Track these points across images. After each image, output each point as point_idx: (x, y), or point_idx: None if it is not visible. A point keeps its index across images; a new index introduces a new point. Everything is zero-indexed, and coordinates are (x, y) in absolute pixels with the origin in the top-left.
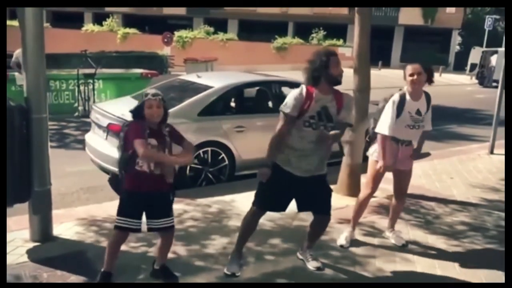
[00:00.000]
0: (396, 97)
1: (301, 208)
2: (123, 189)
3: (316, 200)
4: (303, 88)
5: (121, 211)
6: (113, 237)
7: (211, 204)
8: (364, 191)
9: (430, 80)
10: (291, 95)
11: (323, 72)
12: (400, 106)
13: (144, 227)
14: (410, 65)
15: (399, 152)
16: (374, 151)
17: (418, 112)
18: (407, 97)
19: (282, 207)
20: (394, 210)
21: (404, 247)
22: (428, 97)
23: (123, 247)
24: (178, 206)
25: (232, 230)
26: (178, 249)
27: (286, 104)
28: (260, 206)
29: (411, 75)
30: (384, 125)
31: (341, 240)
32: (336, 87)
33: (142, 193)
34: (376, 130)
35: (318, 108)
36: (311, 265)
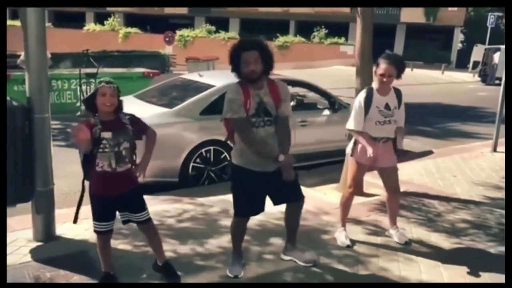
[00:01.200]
0: (362, 93)
1: (276, 202)
2: (90, 193)
3: (286, 190)
4: (236, 86)
5: (94, 215)
6: (97, 240)
7: (213, 203)
8: (344, 192)
9: (399, 76)
10: (227, 98)
11: (236, 70)
12: (368, 101)
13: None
14: (382, 63)
15: (377, 150)
16: (349, 149)
17: (387, 106)
18: (375, 92)
19: (260, 208)
20: (390, 207)
21: (407, 245)
22: (398, 93)
23: (125, 246)
24: (180, 205)
25: None
26: (180, 248)
27: (227, 109)
28: (240, 214)
29: (382, 75)
30: (349, 121)
31: (343, 241)
32: (271, 76)
33: (110, 195)
34: (346, 127)
35: (256, 105)
36: (303, 260)
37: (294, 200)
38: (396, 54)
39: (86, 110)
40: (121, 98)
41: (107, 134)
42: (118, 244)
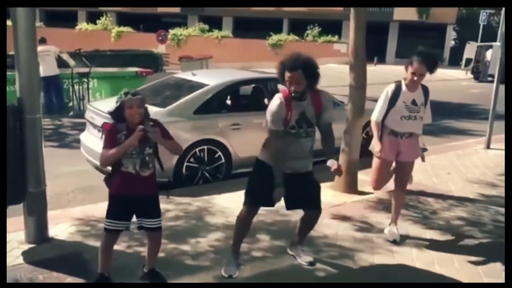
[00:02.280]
0: (391, 87)
1: (289, 205)
2: (110, 191)
3: (305, 197)
4: (279, 99)
5: (109, 213)
6: (104, 239)
7: (208, 203)
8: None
9: (431, 71)
10: (270, 110)
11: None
12: (395, 95)
13: (132, 226)
14: (415, 61)
15: (400, 145)
16: (371, 146)
17: (414, 102)
18: (403, 87)
19: (271, 201)
20: (395, 206)
21: (396, 243)
22: (426, 90)
23: (120, 247)
24: (173, 205)
25: (228, 228)
26: (172, 247)
27: (269, 120)
28: (252, 201)
29: (413, 73)
30: (374, 112)
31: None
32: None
33: (130, 195)
34: (371, 117)
35: (297, 115)
36: (303, 260)
37: (316, 208)
38: (429, 51)
39: (114, 121)
40: (113, 97)
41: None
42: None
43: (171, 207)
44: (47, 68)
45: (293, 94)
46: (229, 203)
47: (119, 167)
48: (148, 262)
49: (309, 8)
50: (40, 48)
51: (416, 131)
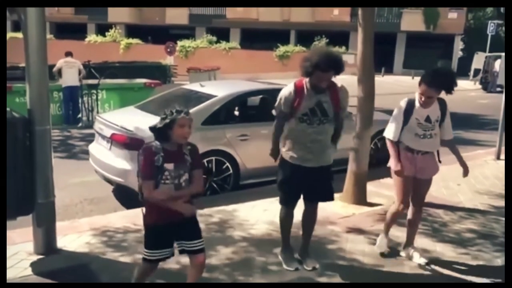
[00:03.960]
0: (403, 102)
1: (308, 197)
2: (145, 221)
3: (321, 189)
4: (292, 86)
5: (147, 244)
6: (142, 269)
7: (215, 214)
8: (396, 206)
9: (449, 92)
10: (281, 93)
11: (313, 71)
12: (408, 111)
13: (174, 251)
14: (424, 84)
15: (416, 161)
16: (391, 163)
17: (428, 119)
18: (416, 103)
19: (297, 197)
20: (411, 223)
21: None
22: (442, 103)
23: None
24: None
25: (237, 240)
26: (182, 260)
27: (278, 101)
28: (285, 203)
29: (422, 94)
30: (388, 129)
31: (382, 245)
32: (333, 79)
33: (165, 223)
34: (384, 134)
35: (312, 105)
36: (308, 265)
37: (330, 199)
38: (440, 71)
39: (155, 138)
40: (121, 109)
41: (169, 166)
42: (118, 256)
43: None
44: (69, 78)
45: (319, 87)
46: (238, 213)
47: None
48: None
49: (316, 19)
50: (65, 60)
51: (432, 150)
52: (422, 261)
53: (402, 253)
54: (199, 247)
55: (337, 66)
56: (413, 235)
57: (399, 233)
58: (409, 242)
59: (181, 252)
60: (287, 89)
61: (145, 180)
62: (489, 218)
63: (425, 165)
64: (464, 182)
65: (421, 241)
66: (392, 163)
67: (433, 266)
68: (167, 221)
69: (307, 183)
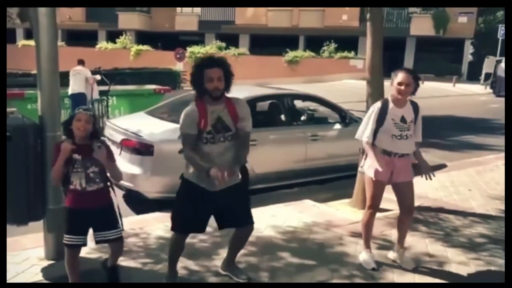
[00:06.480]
0: (377, 104)
1: (222, 225)
2: (65, 207)
3: (236, 213)
4: (193, 105)
5: (67, 229)
6: (66, 255)
7: None
8: (365, 212)
9: (414, 91)
10: (183, 114)
11: (199, 86)
12: (382, 112)
13: (90, 241)
14: (400, 72)
15: (395, 164)
16: (366, 166)
17: (403, 119)
18: (390, 104)
19: (201, 227)
20: (400, 227)
21: (417, 268)
22: (415, 106)
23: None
24: None
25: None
26: (189, 264)
27: (181, 124)
28: (180, 230)
29: (400, 84)
30: (360, 131)
31: (368, 262)
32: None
33: (81, 210)
34: (355, 136)
35: (213, 121)
36: (241, 278)
37: (250, 222)
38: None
39: (63, 133)
40: (131, 114)
41: (77, 156)
42: (125, 261)
43: None
44: (72, 86)
45: (213, 93)
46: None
47: (69, 184)
48: (111, 259)
49: (325, 24)
50: (73, 68)
51: (408, 152)
52: (410, 265)
53: (390, 255)
54: (115, 236)
55: (220, 62)
56: (403, 239)
57: (409, 238)
58: (399, 246)
59: (98, 242)
60: (188, 109)
61: (52, 167)
62: (501, 223)
63: (402, 168)
64: (475, 187)
65: (432, 246)
66: (372, 163)
67: (443, 271)
68: (79, 207)
69: (213, 209)
